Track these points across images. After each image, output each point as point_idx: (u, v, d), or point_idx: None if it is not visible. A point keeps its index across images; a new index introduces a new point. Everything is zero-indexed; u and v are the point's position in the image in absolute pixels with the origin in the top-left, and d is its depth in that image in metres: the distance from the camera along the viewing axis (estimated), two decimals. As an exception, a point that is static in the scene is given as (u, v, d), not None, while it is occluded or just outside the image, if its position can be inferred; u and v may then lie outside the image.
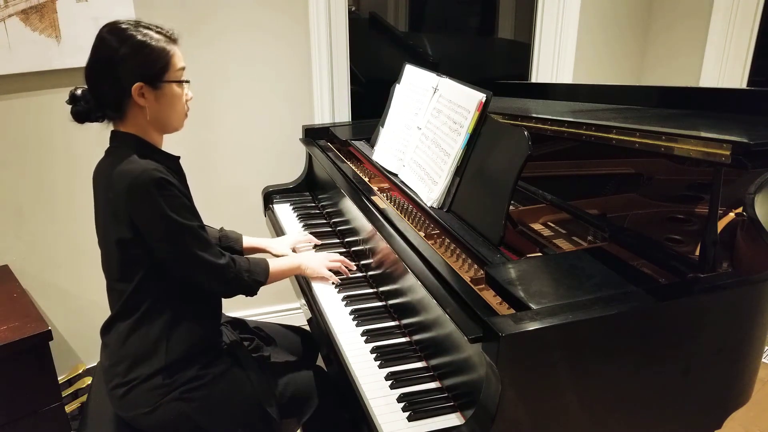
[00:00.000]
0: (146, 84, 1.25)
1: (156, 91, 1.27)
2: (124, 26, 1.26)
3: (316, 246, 1.82)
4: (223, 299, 1.47)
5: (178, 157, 1.41)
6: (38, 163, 2.12)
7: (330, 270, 1.61)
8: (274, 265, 1.49)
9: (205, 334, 1.39)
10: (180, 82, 1.31)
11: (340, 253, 1.77)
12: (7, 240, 2.15)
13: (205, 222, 1.65)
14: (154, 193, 1.22)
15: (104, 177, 1.30)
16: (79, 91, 1.30)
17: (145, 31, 1.26)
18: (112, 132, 1.33)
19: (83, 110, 1.30)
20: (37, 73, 2.02)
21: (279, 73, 2.37)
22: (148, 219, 1.24)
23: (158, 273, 1.31)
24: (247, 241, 1.73)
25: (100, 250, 1.36)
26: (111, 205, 1.27)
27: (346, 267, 1.64)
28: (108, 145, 1.34)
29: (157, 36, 1.27)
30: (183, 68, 1.31)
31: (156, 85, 1.27)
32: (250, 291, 1.43)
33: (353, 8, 2.69)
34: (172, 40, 1.30)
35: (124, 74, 1.24)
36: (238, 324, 1.59)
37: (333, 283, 1.59)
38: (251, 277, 1.41)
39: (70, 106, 1.31)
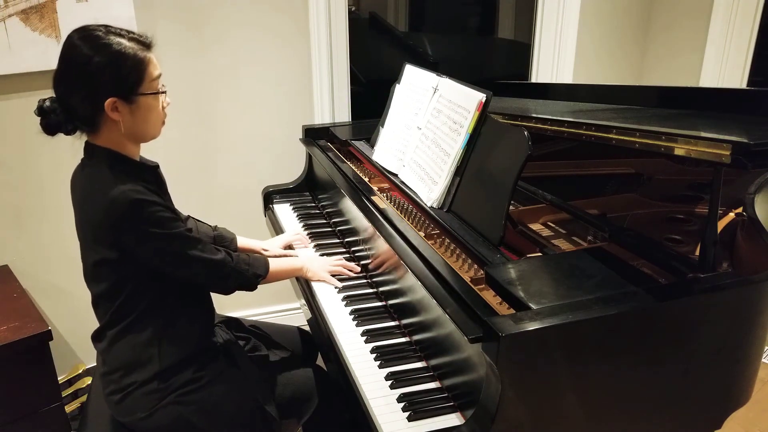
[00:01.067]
0: (119, 98, 1.18)
1: (130, 105, 1.20)
2: (95, 33, 1.18)
3: (316, 246, 1.82)
4: (218, 301, 1.47)
5: (157, 166, 1.37)
6: (38, 164, 2.12)
7: (332, 274, 1.61)
8: (274, 263, 1.49)
9: (197, 339, 1.38)
10: (156, 94, 1.24)
11: (341, 253, 1.78)
12: (7, 240, 2.15)
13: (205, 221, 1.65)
14: (134, 215, 1.19)
15: (79, 194, 1.28)
16: (47, 103, 1.21)
17: (118, 39, 1.18)
18: (86, 143, 1.27)
19: (54, 123, 1.22)
20: (37, 73, 2.01)
21: (279, 73, 2.37)
22: (134, 240, 1.21)
23: (145, 286, 1.28)
24: (241, 242, 1.72)
25: (81, 262, 1.33)
26: (89, 226, 1.25)
27: (349, 270, 1.64)
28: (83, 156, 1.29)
29: (129, 44, 1.18)
30: (159, 76, 1.24)
31: (130, 99, 1.20)
32: (250, 285, 1.41)
33: (353, 8, 2.69)
34: (146, 46, 1.22)
35: (95, 88, 1.17)
36: (233, 323, 1.58)
37: (335, 288, 1.58)
38: (251, 271, 1.40)
39: (39, 119, 1.22)
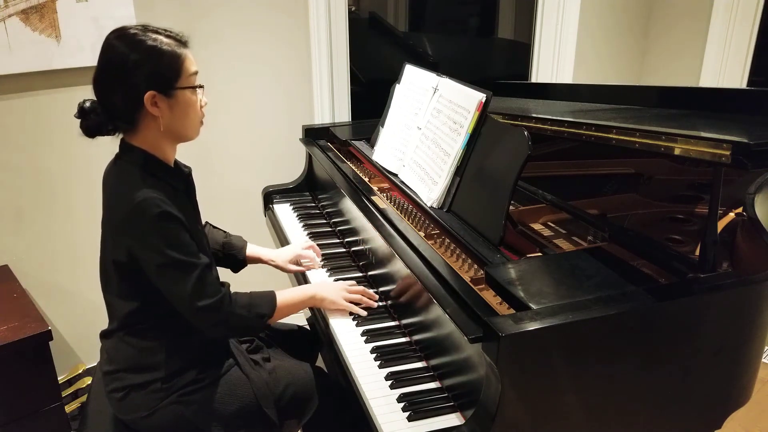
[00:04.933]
0: (159, 92, 1.19)
1: (169, 100, 1.21)
2: (132, 32, 1.20)
3: (324, 260, 1.74)
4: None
5: (190, 171, 1.37)
6: (38, 163, 2.12)
7: (350, 301, 1.47)
8: (283, 297, 1.38)
9: (206, 348, 1.37)
10: (193, 88, 1.25)
11: (341, 253, 1.78)
12: (7, 240, 2.15)
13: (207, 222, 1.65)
14: (153, 227, 1.18)
15: (107, 190, 1.28)
16: (87, 104, 1.23)
17: (154, 35, 1.20)
18: (122, 141, 1.27)
19: (94, 124, 1.23)
20: (37, 73, 2.01)
21: (279, 73, 2.37)
22: (144, 251, 1.20)
23: (158, 297, 1.27)
24: (251, 250, 1.66)
25: (99, 258, 1.34)
26: (110, 225, 1.25)
27: (369, 298, 1.49)
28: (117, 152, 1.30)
29: (166, 40, 1.20)
30: (195, 73, 1.26)
31: (169, 93, 1.21)
32: (253, 329, 1.36)
33: (353, 8, 2.69)
34: (182, 43, 1.24)
35: (135, 83, 1.18)
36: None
37: (353, 318, 1.44)
38: (253, 311, 1.32)
39: (80, 121, 1.23)
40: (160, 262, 1.20)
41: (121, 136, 1.28)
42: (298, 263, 1.71)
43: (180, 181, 1.33)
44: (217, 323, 1.28)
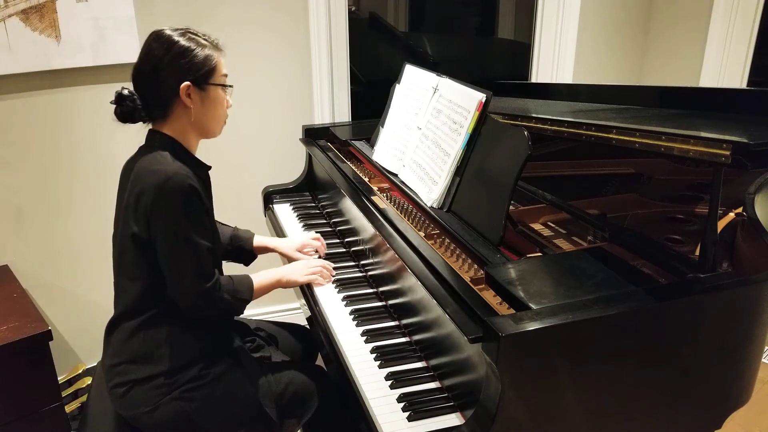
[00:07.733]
0: (193, 85, 1.30)
1: (202, 93, 1.32)
2: (176, 30, 1.31)
3: (325, 253, 1.77)
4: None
5: (209, 167, 1.43)
6: (39, 163, 2.12)
7: (312, 275, 1.58)
8: (257, 281, 1.46)
9: (211, 343, 1.39)
10: (224, 87, 1.36)
11: (341, 253, 1.78)
12: (7, 240, 2.15)
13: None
14: (180, 198, 1.24)
15: (133, 172, 1.31)
16: (126, 91, 1.32)
17: (194, 36, 1.32)
18: (150, 131, 1.36)
19: (129, 110, 1.32)
20: (37, 73, 2.01)
21: (279, 72, 2.37)
22: (163, 219, 1.25)
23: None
24: (258, 241, 1.72)
25: (112, 245, 1.37)
26: (134, 199, 1.28)
27: (329, 273, 1.61)
28: (143, 143, 1.36)
29: (204, 42, 1.32)
30: (226, 75, 1.37)
31: (202, 87, 1.32)
32: (235, 312, 1.41)
33: (353, 8, 2.69)
34: (217, 48, 1.35)
35: (172, 75, 1.28)
36: (240, 325, 1.59)
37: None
38: (236, 297, 1.38)
39: (115, 106, 1.32)
40: (177, 236, 1.26)
41: (149, 127, 1.36)
42: (303, 251, 1.74)
43: (202, 171, 1.39)
44: (207, 307, 1.33)
